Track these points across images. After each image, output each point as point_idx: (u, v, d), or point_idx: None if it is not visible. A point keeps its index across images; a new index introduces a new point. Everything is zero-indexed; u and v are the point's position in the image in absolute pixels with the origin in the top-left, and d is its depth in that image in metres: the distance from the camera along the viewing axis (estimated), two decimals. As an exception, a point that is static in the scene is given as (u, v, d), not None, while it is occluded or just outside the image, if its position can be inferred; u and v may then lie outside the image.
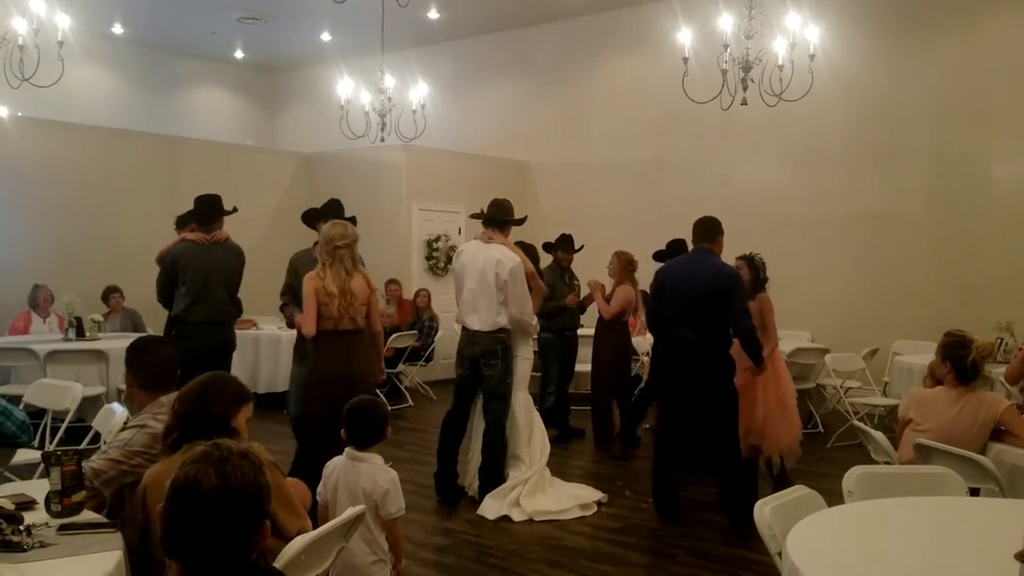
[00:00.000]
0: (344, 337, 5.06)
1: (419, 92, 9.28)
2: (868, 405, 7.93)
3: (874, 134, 9.36)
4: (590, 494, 5.93)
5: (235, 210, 6.59)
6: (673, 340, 5.38)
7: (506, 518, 5.49)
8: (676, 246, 7.10)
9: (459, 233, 11.43)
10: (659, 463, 5.63)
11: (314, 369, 5.13)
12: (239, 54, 13.87)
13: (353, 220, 5.70)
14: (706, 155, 10.42)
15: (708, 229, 5.52)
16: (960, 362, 4.27)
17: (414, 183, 11.06)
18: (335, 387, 4.81)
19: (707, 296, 5.22)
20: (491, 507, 5.60)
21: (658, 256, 7.22)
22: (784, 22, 6.89)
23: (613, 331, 7.48)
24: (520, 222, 6.11)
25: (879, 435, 4.39)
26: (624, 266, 7.54)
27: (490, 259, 5.73)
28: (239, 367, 8.80)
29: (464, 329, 5.82)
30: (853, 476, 3.20)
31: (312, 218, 6.17)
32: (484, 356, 5.72)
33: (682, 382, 5.35)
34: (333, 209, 6.09)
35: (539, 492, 5.75)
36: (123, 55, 12.88)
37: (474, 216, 6.16)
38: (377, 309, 5.36)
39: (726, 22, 6.68)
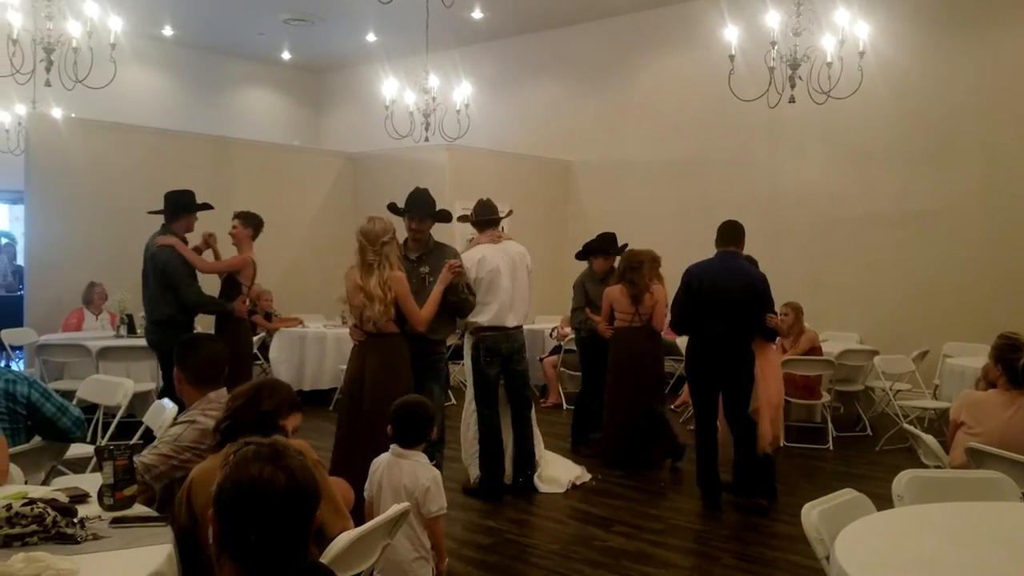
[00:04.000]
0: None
1: (463, 92, 9.32)
2: (918, 408, 7.77)
3: (925, 131, 9.18)
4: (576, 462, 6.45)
5: (208, 206, 6.61)
6: (706, 335, 5.70)
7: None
8: (603, 240, 7.42)
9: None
10: (701, 452, 5.80)
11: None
12: (286, 55, 14.05)
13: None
14: (752, 153, 10.31)
15: (735, 233, 5.76)
16: (1013, 365, 4.20)
17: (458, 183, 11.08)
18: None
19: (743, 297, 5.60)
20: (554, 483, 5.98)
21: (584, 251, 7.52)
22: (833, 19, 6.81)
23: None
24: (507, 215, 6.36)
25: (930, 438, 4.31)
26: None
27: (518, 254, 5.96)
28: (285, 365, 8.93)
29: (498, 328, 5.82)
30: (903, 480, 3.14)
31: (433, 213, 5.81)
32: (518, 351, 5.90)
33: (715, 371, 5.71)
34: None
35: (549, 464, 6.17)
36: (173, 57, 13.14)
37: (463, 219, 6.21)
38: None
39: (773, 19, 6.62)
